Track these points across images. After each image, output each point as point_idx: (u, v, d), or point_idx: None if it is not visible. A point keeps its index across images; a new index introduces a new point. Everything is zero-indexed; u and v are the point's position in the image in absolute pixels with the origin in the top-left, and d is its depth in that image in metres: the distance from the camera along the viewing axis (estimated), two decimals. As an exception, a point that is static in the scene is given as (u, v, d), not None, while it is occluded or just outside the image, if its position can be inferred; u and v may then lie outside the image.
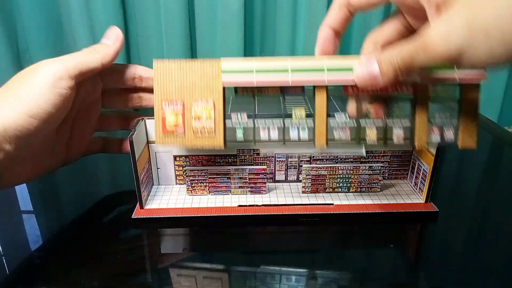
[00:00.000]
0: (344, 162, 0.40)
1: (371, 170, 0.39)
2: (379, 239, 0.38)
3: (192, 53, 0.89)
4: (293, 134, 0.35)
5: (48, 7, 0.85)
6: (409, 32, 0.32)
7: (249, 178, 0.38)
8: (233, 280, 0.31)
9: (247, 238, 0.37)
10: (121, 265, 0.33)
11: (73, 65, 0.32)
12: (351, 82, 0.31)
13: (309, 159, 0.41)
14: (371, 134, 0.34)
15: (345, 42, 0.91)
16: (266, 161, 0.40)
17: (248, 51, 0.89)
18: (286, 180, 0.41)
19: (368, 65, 0.29)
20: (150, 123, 0.39)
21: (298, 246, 0.36)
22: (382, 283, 0.32)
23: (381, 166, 0.39)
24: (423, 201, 0.39)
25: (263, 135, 0.35)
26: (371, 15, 0.88)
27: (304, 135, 0.35)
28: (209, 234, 0.37)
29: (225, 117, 0.34)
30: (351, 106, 0.33)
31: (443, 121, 0.33)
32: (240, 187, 0.39)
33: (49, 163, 0.37)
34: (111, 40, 0.35)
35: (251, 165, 0.39)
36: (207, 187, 0.40)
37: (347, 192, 0.40)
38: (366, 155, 0.41)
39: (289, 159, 0.40)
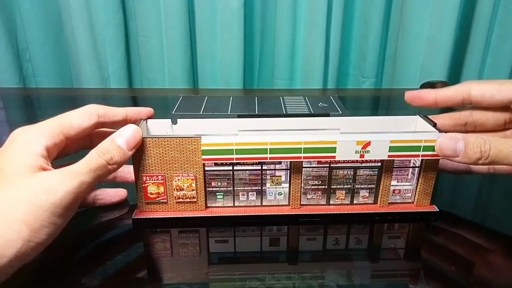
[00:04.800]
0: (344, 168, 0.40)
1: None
2: (379, 239, 0.38)
3: (192, 53, 0.89)
4: (269, 198, 0.39)
5: (48, 7, 0.85)
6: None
7: (249, 179, 0.38)
8: (233, 280, 0.32)
9: (247, 238, 0.37)
10: (121, 265, 0.33)
11: (80, 184, 0.29)
12: (325, 159, 0.35)
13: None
14: (340, 195, 0.38)
15: (345, 41, 0.91)
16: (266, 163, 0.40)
17: (248, 51, 0.89)
18: (286, 180, 0.41)
19: (453, 141, 0.32)
20: (150, 122, 0.39)
21: (298, 246, 0.36)
22: (383, 283, 0.32)
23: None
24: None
25: (242, 198, 0.38)
26: (371, 15, 0.88)
27: (280, 197, 0.39)
28: (209, 234, 0.37)
29: (206, 185, 0.37)
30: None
31: (403, 185, 0.39)
32: (240, 187, 0.39)
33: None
34: (130, 146, 0.33)
35: (251, 166, 0.39)
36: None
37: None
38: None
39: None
